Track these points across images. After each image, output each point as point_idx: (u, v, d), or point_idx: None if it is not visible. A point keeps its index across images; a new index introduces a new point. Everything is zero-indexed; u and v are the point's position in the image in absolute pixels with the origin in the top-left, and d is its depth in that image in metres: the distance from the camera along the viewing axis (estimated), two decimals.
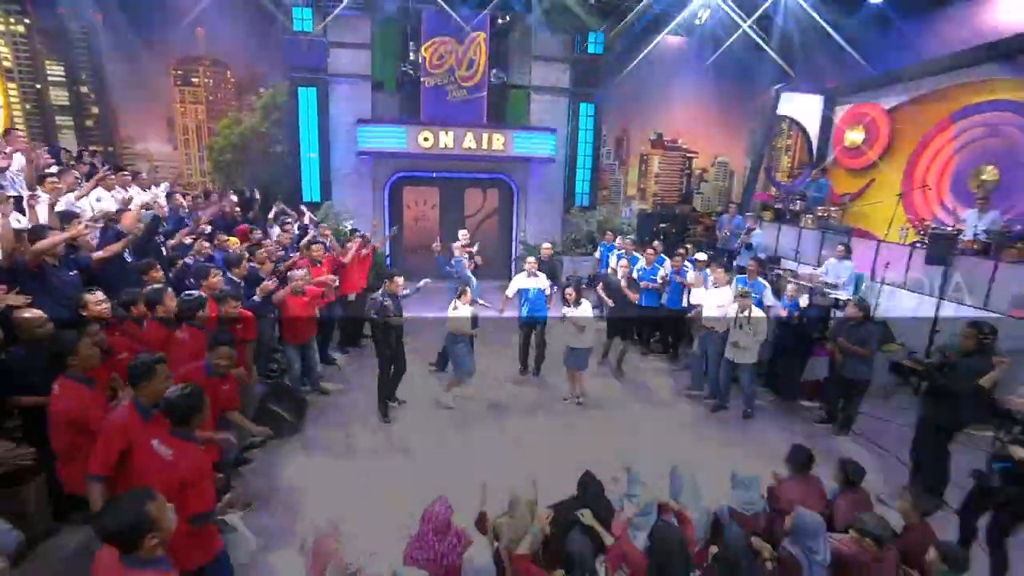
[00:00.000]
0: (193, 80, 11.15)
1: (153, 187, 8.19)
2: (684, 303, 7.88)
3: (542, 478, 3.65)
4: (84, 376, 3.24)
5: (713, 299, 6.83)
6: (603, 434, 6.08)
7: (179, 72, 11.13)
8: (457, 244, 8.48)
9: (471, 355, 6.46)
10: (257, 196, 9.93)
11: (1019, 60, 8.78)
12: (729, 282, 7.02)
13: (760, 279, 7.16)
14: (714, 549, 3.61)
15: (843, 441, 6.16)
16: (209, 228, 7.25)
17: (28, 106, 10.42)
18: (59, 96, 10.79)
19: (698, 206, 14.44)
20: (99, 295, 3.83)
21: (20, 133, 6.76)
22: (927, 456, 4.90)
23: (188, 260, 5.79)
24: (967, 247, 7.78)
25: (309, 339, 6.41)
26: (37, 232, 4.10)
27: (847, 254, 8.49)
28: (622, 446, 5.51)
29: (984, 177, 9.58)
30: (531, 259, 7.41)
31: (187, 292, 4.36)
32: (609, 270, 8.90)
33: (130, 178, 7.49)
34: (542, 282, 7.23)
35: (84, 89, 10.85)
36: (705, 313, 6.87)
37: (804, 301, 6.71)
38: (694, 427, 6.45)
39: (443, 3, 10.61)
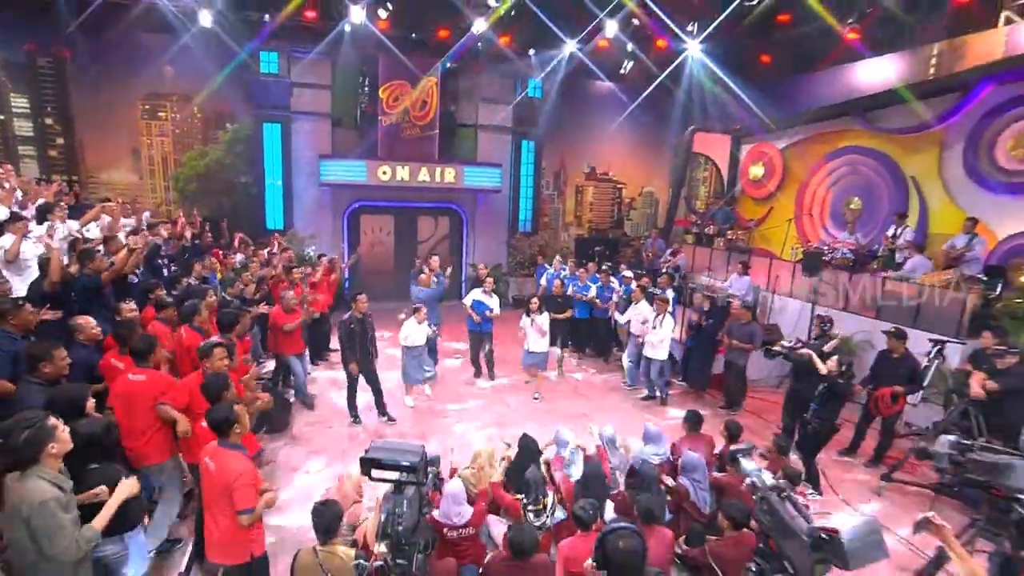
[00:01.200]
0: (160, 114, 11.76)
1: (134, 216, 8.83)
2: (610, 314, 9.30)
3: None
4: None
5: (636, 313, 8.26)
6: (550, 417, 7.29)
7: (146, 107, 11.72)
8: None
9: (421, 364, 7.45)
10: (224, 225, 10.71)
11: (867, 115, 10.93)
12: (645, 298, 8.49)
13: (669, 290, 8.68)
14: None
15: (737, 415, 7.65)
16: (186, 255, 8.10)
17: None
18: (23, 127, 11.12)
19: (628, 231, 16.19)
20: (132, 304, 4.73)
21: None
22: (791, 418, 6.40)
23: (190, 280, 6.62)
24: (841, 263, 9.67)
25: (304, 350, 7.32)
26: (89, 254, 4.93)
27: (745, 271, 10.25)
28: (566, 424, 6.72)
29: (851, 207, 11.67)
30: (490, 279, 8.63)
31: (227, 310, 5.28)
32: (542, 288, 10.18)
33: (129, 208, 8.23)
34: (495, 301, 8.41)
35: (49, 120, 11.23)
36: (632, 324, 8.28)
37: (705, 306, 8.25)
38: (623, 410, 7.79)
39: (398, 51, 11.86)
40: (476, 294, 8.42)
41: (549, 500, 4.43)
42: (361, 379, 6.88)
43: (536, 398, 7.95)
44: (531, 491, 4.38)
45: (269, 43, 11.48)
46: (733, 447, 4.13)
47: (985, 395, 5.25)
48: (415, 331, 7.18)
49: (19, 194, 7.06)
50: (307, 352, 7.61)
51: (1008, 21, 9.26)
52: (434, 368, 8.22)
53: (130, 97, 11.66)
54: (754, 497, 2.93)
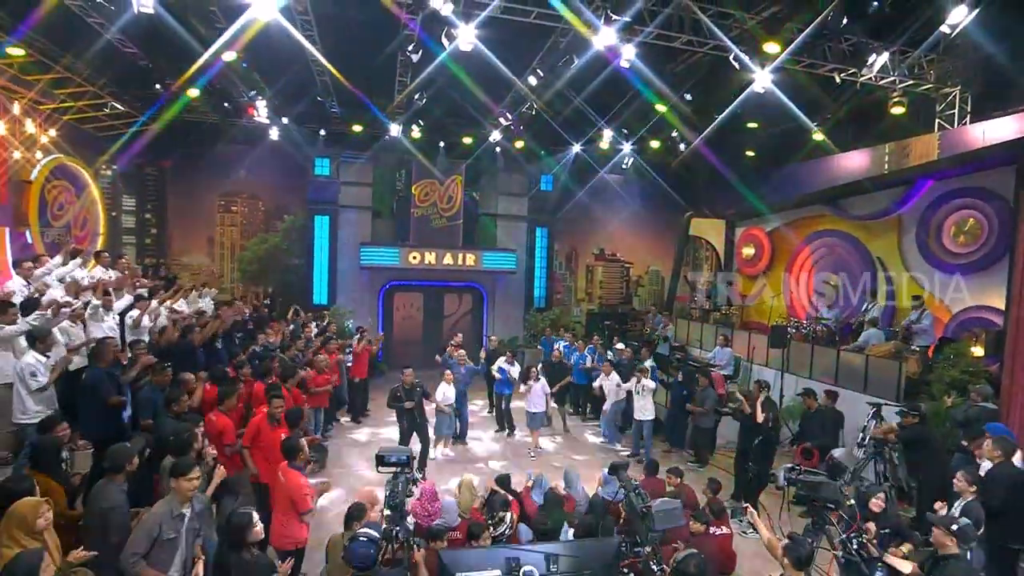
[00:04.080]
0: (232, 208, 14.29)
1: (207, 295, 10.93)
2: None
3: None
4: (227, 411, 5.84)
5: (607, 381, 9.60)
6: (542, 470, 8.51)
7: (222, 202, 14.29)
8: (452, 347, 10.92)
9: (450, 421, 8.94)
10: (278, 300, 12.79)
11: (837, 203, 12.35)
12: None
13: (649, 360, 9.98)
14: None
15: (709, 471, 8.67)
16: (252, 324, 10.03)
17: (103, 229, 13.33)
18: (128, 221, 13.78)
19: (636, 306, 17.60)
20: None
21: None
22: (740, 470, 7.48)
23: (256, 348, 8.45)
24: (820, 336, 10.83)
25: (327, 404, 8.96)
26: (189, 328, 6.81)
27: (727, 343, 11.48)
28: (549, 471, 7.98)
29: (831, 284, 12.83)
30: (510, 352, 10.26)
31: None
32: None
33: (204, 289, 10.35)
34: (515, 370, 9.93)
35: (147, 215, 13.86)
36: (607, 389, 9.61)
37: (680, 376, 9.49)
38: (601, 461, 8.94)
39: (426, 159, 14.26)
40: (501, 362, 10.04)
41: (507, 517, 5.73)
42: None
43: (532, 456, 9.09)
44: (493, 511, 5.72)
45: (323, 150, 14.05)
46: (614, 461, 5.39)
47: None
48: (447, 390, 8.73)
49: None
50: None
51: (940, 127, 10.76)
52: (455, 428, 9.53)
53: (211, 195, 14.33)
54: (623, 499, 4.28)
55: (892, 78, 10.13)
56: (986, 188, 9.60)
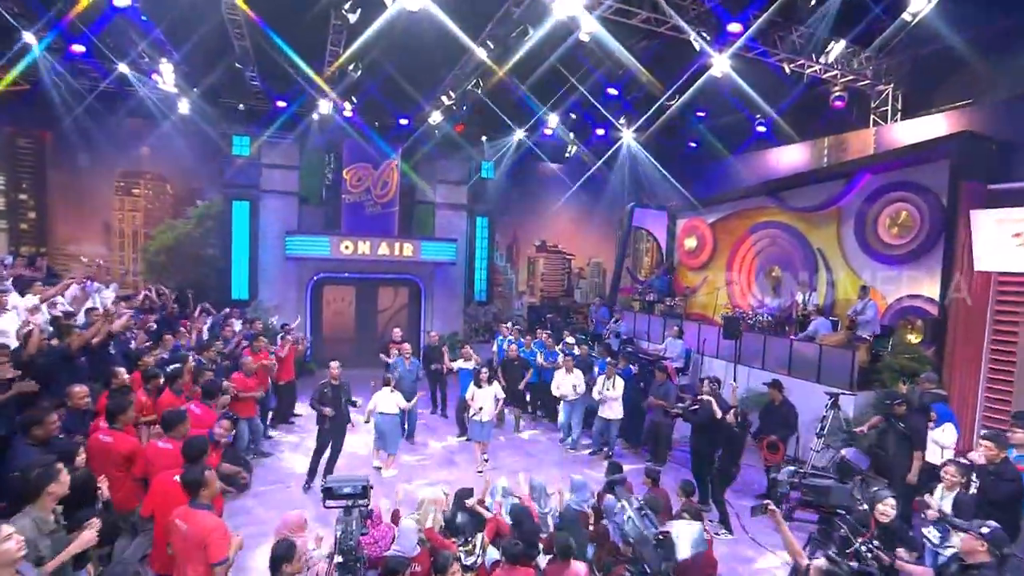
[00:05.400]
0: (134, 191, 12.49)
1: (101, 290, 9.32)
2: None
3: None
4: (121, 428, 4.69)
5: (564, 379, 9.06)
6: (494, 472, 7.83)
7: (121, 183, 12.44)
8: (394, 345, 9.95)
9: (395, 436, 7.92)
10: (189, 295, 11.23)
11: (779, 195, 12.52)
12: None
13: (607, 358, 9.55)
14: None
15: (669, 471, 8.36)
16: (155, 325, 8.63)
17: None
18: None
19: (578, 299, 17.31)
20: (123, 370, 5.30)
21: None
22: (698, 470, 7.17)
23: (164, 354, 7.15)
24: (760, 325, 10.85)
25: (255, 414, 7.81)
26: (67, 328, 5.51)
27: (679, 334, 11.32)
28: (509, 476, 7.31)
29: (773, 274, 13.04)
30: (467, 347, 9.46)
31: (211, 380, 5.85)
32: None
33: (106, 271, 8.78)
34: (471, 365, 9.17)
35: (23, 196, 11.80)
36: (563, 388, 9.05)
37: (635, 369, 9.12)
38: (562, 464, 8.42)
39: (361, 139, 13.09)
40: (459, 363, 9.36)
41: (478, 541, 5.01)
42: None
43: (486, 460, 8.24)
44: (462, 534, 4.98)
45: (242, 127, 12.54)
46: (609, 478, 4.85)
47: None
48: (384, 400, 7.72)
49: None
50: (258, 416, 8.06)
51: (875, 123, 11.08)
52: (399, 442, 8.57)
53: (106, 175, 12.40)
54: (618, 520, 3.68)
55: (835, 72, 10.27)
56: (919, 183, 9.91)
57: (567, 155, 15.58)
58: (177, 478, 3.72)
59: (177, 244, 12.91)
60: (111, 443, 4.50)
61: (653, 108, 11.86)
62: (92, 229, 12.43)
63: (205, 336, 9.06)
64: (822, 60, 9.25)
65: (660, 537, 3.19)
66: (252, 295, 12.99)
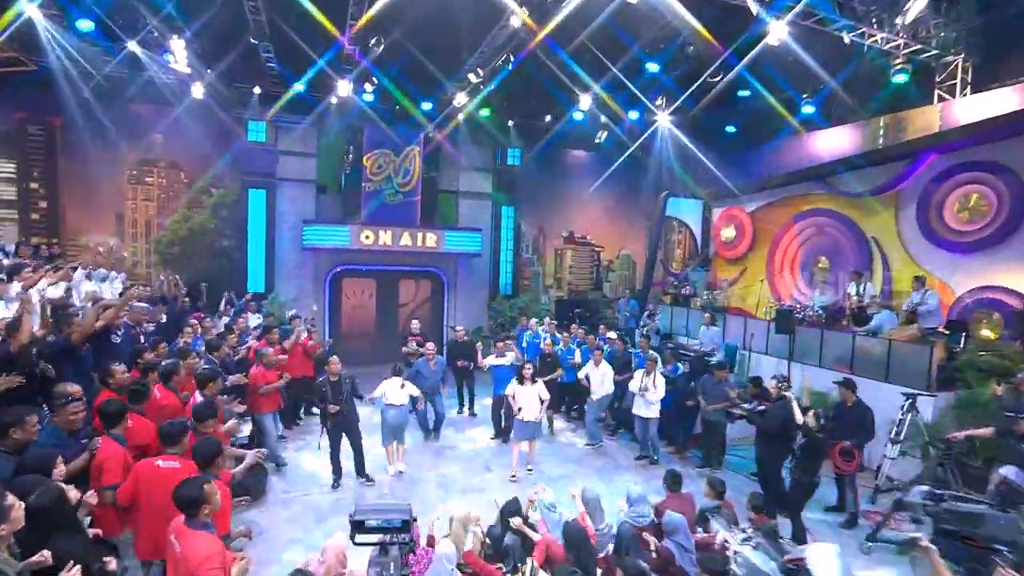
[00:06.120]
0: (147, 180, 11.98)
1: (110, 278, 8.79)
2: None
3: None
4: (121, 436, 4.03)
5: (596, 372, 8.33)
6: (535, 480, 7.15)
7: (134, 172, 11.95)
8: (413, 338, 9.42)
9: (397, 427, 7.23)
10: (203, 288, 10.69)
11: (827, 180, 11.62)
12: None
13: (651, 351, 8.81)
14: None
15: (721, 475, 7.59)
16: (164, 317, 8.03)
17: None
18: (6, 191, 11.22)
19: (607, 292, 16.51)
20: (123, 367, 4.67)
21: None
22: (765, 479, 6.40)
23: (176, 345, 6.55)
24: (810, 320, 9.99)
25: (279, 407, 7.19)
26: (66, 316, 4.91)
27: (713, 321, 10.55)
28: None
29: (820, 266, 12.15)
30: (505, 342, 8.75)
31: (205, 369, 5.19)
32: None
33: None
34: (511, 357, 8.48)
35: (34, 185, 11.35)
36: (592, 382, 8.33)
37: (684, 367, 8.34)
38: (607, 472, 7.68)
39: (382, 122, 12.42)
40: (491, 359, 8.59)
41: (528, 567, 4.31)
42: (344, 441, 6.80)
43: (530, 469, 7.59)
44: (509, 558, 4.28)
45: (257, 113, 11.95)
46: (701, 506, 4.13)
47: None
48: (393, 390, 7.14)
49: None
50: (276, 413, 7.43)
51: (940, 99, 10.13)
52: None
53: (118, 163, 11.90)
54: (728, 553, 2.96)
55: (899, 41, 9.37)
56: (995, 162, 8.98)
57: (597, 141, 14.77)
58: (171, 495, 3.06)
59: (191, 235, 12.38)
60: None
61: (695, 85, 10.99)
62: (104, 219, 11.96)
63: (220, 330, 8.45)
64: (898, 20, 8.33)
65: (792, 568, 2.43)
66: (268, 288, 12.42)
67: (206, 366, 6.06)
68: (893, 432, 6.94)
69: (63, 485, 2.89)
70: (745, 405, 6.80)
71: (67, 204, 11.67)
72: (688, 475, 7.24)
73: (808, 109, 11.87)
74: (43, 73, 10.33)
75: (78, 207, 11.74)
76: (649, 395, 7.71)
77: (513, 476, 7.30)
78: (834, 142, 12.51)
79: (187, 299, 9.99)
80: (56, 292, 6.61)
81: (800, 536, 5.66)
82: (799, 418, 5.66)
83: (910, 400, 6.94)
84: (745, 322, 10.81)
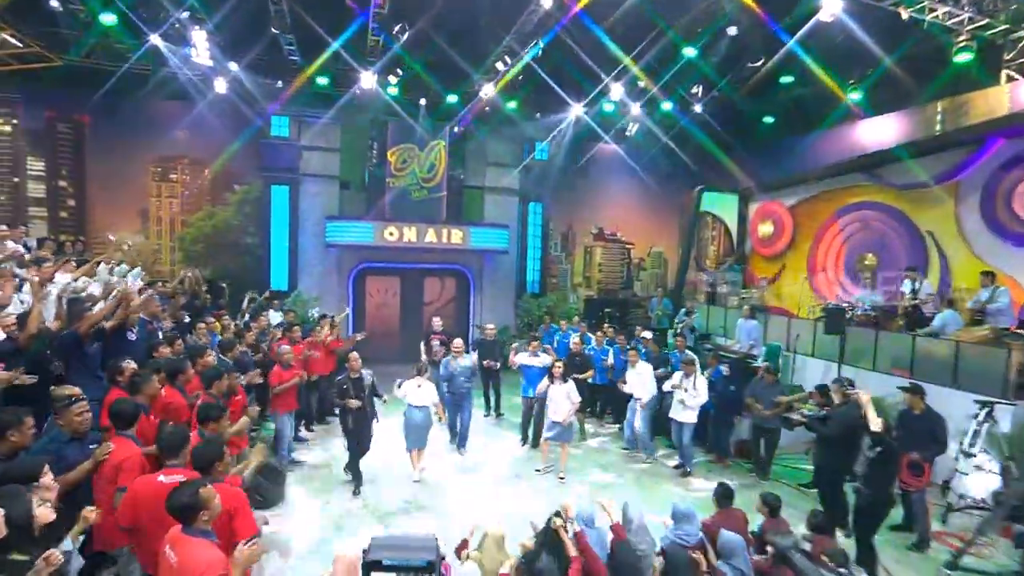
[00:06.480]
0: (171, 176, 11.90)
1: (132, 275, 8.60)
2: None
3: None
4: (135, 436, 3.72)
5: (635, 375, 7.77)
6: (568, 490, 6.70)
7: (158, 169, 11.88)
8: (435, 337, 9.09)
9: (423, 430, 6.87)
10: (224, 285, 10.51)
11: (875, 171, 10.87)
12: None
13: (687, 351, 8.26)
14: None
15: (770, 487, 7.00)
16: (187, 318, 7.80)
17: (3, 197, 10.87)
18: (36, 189, 11.26)
19: (638, 291, 15.91)
20: (134, 365, 4.38)
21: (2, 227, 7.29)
22: (827, 492, 5.81)
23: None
24: (861, 320, 9.29)
25: (295, 408, 6.89)
26: (79, 309, 4.65)
27: (752, 314, 9.93)
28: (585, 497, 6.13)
29: (866, 262, 11.41)
30: (535, 342, 8.27)
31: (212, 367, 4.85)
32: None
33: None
34: (545, 360, 7.87)
35: (62, 183, 11.36)
36: (631, 385, 7.75)
37: (726, 370, 7.76)
38: (643, 481, 7.16)
39: (407, 116, 12.10)
40: (523, 358, 8.08)
41: None
42: None
43: (562, 478, 7.11)
44: None
45: (280, 107, 11.76)
46: (780, 546, 3.61)
47: None
48: (413, 391, 6.82)
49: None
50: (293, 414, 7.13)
51: (1009, 79, 9.31)
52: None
53: (143, 160, 11.85)
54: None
55: (963, 15, 8.61)
56: None
57: (628, 133, 14.20)
58: (165, 504, 2.72)
59: (215, 232, 12.24)
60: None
61: (734, 72, 10.37)
62: (129, 216, 11.91)
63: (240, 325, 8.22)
64: None
65: None
66: (292, 286, 12.22)
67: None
68: (966, 444, 6.29)
69: (32, 501, 2.54)
70: (805, 411, 6.20)
71: (94, 201, 11.65)
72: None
73: (855, 96, 11.11)
74: (71, 71, 10.30)
75: (104, 204, 11.71)
76: (688, 398, 7.16)
77: (561, 476, 7.06)
78: (883, 131, 11.71)
79: (208, 296, 9.83)
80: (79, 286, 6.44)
81: (869, 562, 5.06)
82: (875, 423, 5.02)
83: (987, 409, 6.27)
84: (789, 322, 10.15)
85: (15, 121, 10.94)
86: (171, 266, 11.85)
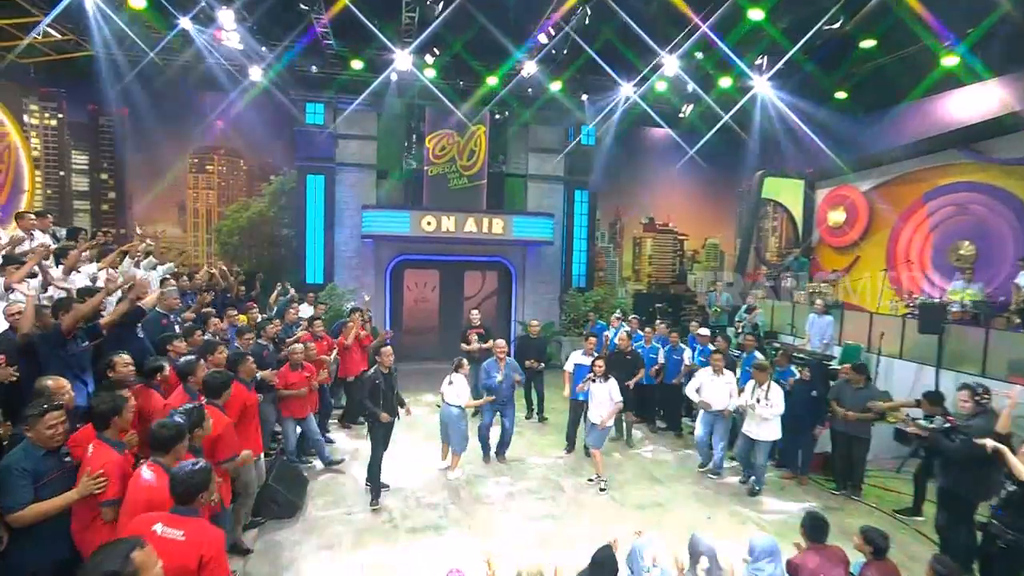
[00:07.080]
0: (208, 168, 11.75)
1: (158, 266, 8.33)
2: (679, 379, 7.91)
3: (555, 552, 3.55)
4: (117, 440, 3.24)
5: (714, 383, 6.74)
6: (614, 510, 5.90)
7: (195, 160, 11.76)
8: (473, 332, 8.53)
9: (464, 430, 6.49)
10: (259, 276, 10.22)
11: (976, 146, 9.48)
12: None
13: (756, 352, 7.27)
14: None
15: (859, 513, 5.98)
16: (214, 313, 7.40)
17: (49, 191, 10.93)
18: (80, 182, 11.33)
19: (692, 286, 14.80)
20: (127, 358, 3.92)
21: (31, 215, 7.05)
22: (949, 526, 4.77)
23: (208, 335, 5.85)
24: (957, 317, 8.03)
25: (308, 414, 6.37)
26: (63, 303, 4.22)
27: (826, 310, 8.82)
28: (637, 523, 5.32)
29: (962, 252, 10.01)
30: (592, 339, 7.59)
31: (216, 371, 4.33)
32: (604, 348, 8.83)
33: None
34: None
35: (104, 176, 11.38)
36: (708, 396, 6.74)
37: (806, 374, 6.71)
38: (704, 500, 6.26)
39: (446, 100, 11.47)
40: (577, 357, 7.40)
41: None
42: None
43: (603, 488, 6.35)
44: None
45: (315, 94, 11.38)
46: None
47: None
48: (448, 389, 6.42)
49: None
50: (312, 415, 6.60)
51: None
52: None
53: (180, 152, 11.73)
54: None
55: None
56: None
57: (682, 115, 13.13)
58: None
59: (251, 224, 12.01)
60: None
61: (806, 37, 9.19)
62: (167, 210, 11.84)
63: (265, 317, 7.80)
64: None
65: None
66: (327, 278, 11.83)
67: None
68: None
69: None
70: (921, 420, 5.15)
71: (133, 194, 11.61)
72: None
73: (950, 61, 9.70)
74: (111, 64, 10.21)
75: (143, 197, 11.66)
76: (764, 410, 6.17)
77: (603, 488, 6.37)
78: (982, 101, 10.24)
79: (242, 288, 9.55)
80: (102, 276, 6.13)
81: None
82: (1019, 470, 3.98)
83: None
84: (871, 319, 8.96)
85: (61, 115, 10.99)
86: (206, 259, 11.69)
